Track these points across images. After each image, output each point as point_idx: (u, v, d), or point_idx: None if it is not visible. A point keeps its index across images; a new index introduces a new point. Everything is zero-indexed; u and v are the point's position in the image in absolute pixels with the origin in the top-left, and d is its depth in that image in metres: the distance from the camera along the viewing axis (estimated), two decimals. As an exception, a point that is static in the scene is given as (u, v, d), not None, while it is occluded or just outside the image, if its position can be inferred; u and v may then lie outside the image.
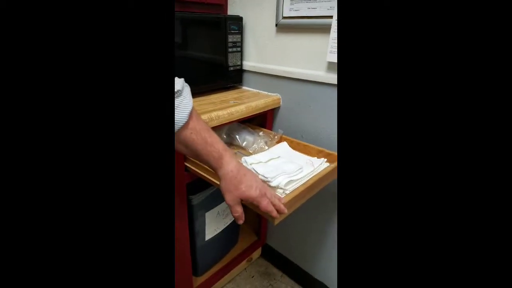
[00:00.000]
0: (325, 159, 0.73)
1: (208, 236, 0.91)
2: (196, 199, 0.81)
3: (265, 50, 0.92)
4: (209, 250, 0.94)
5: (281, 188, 0.61)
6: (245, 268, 1.13)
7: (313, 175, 0.66)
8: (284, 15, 0.80)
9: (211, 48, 0.86)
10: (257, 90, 0.97)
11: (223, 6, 0.96)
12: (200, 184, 0.77)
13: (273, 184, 0.61)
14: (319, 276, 1.00)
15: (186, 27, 0.77)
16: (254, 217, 1.14)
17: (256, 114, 0.84)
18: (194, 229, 0.85)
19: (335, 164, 0.71)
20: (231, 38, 0.89)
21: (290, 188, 0.61)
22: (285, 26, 0.82)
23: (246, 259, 1.11)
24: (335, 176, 0.71)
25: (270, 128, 0.96)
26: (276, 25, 0.83)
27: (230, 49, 0.90)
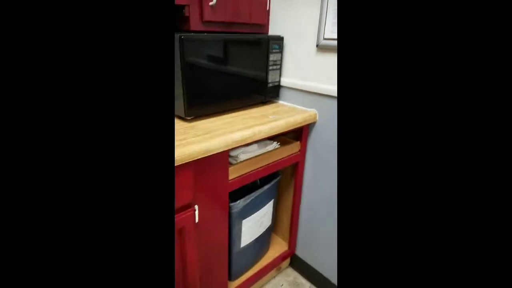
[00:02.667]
0: (278, 143, 0.92)
1: (243, 243, 0.95)
2: (235, 207, 0.86)
3: (304, 69, 0.96)
4: (243, 257, 0.98)
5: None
6: (274, 277, 1.16)
7: (262, 152, 0.87)
8: (326, 37, 0.84)
9: (253, 66, 0.92)
10: (293, 105, 1.02)
11: (265, 26, 1.02)
12: (239, 191, 0.83)
13: (231, 154, 0.82)
14: (349, 290, 1.00)
15: (231, 47, 0.84)
16: (285, 227, 1.17)
17: (293, 129, 0.88)
18: (231, 235, 0.90)
19: (285, 147, 0.92)
20: (272, 57, 0.95)
21: (243, 158, 0.82)
22: (325, 47, 0.86)
23: (276, 268, 1.14)
24: (282, 156, 0.93)
25: (305, 143, 0.99)
26: (317, 45, 0.88)
27: (270, 67, 0.95)
